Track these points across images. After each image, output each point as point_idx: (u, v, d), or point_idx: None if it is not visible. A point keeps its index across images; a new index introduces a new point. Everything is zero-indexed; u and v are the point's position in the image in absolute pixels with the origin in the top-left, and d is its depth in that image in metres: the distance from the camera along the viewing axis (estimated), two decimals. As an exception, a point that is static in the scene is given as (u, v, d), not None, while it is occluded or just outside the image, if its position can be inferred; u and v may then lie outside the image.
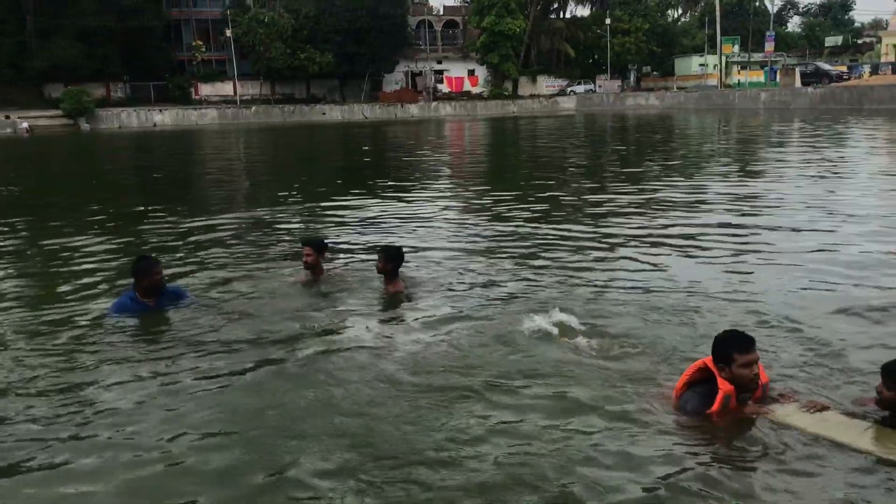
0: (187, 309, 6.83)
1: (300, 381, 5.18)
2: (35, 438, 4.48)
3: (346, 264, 8.77)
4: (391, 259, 7.16)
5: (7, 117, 57.49)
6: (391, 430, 4.43)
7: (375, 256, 7.36)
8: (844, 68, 62.35)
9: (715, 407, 4.36)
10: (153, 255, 7.75)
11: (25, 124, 55.85)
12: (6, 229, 12.62)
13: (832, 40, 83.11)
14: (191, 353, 5.79)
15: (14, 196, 18.59)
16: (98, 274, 8.76)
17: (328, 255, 8.18)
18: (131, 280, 6.81)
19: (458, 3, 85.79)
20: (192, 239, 11.21)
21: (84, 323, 6.71)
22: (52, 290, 8.15)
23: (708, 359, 4.47)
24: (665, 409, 4.60)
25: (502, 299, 7.04)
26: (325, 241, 8.31)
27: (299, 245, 8.35)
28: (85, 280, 8.49)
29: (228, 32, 66.93)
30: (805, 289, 7.27)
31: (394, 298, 7.06)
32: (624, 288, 7.53)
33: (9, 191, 19.62)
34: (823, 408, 4.40)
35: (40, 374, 5.44)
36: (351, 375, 5.23)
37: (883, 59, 62.74)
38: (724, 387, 4.34)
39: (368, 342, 5.92)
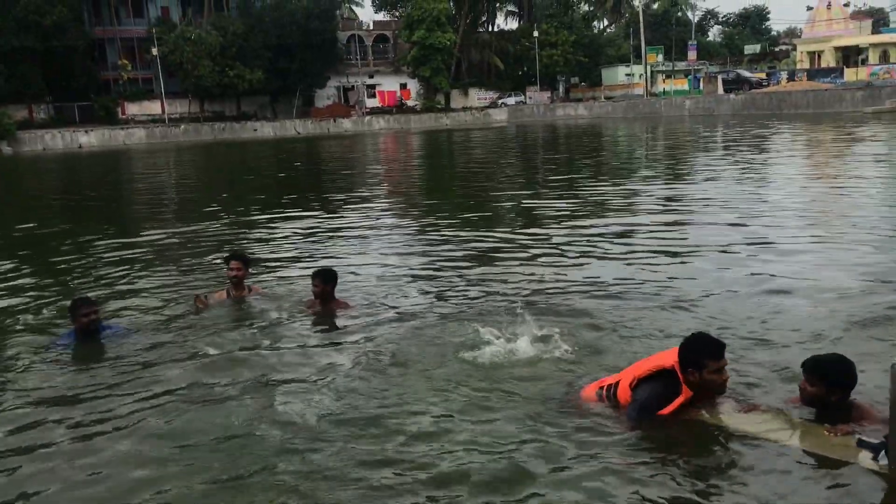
0: (116, 339, 6.58)
1: (238, 412, 4.99)
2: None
3: (274, 281, 8.77)
4: (328, 281, 7.11)
5: (-78, 142, 55.36)
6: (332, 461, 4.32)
7: (310, 280, 7.25)
8: (763, 75, 64.45)
9: (668, 410, 4.37)
10: (87, 295, 7.41)
11: (-58, 149, 53.85)
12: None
13: (751, 48, 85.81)
14: (122, 384, 5.60)
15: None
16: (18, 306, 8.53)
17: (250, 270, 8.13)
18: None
19: (388, 18, 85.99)
20: (117, 258, 11.06)
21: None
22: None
23: (670, 360, 4.44)
24: (582, 414, 4.66)
25: (441, 314, 7.01)
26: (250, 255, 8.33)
27: (223, 259, 8.15)
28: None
29: (154, 51, 65.70)
30: (733, 290, 7.46)
31: (330, 320, 7.01)
32: (561, 292, 7.71)
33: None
34: (753, 408, 4.48)
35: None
36: (292, 405, 5.05)
37: (798, 66, 65.31)
38: (686, 393, 4.35)
39: (307, 367, 5.79)
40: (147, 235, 13.45)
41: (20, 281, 9.70)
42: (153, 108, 70.16)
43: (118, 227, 15.05)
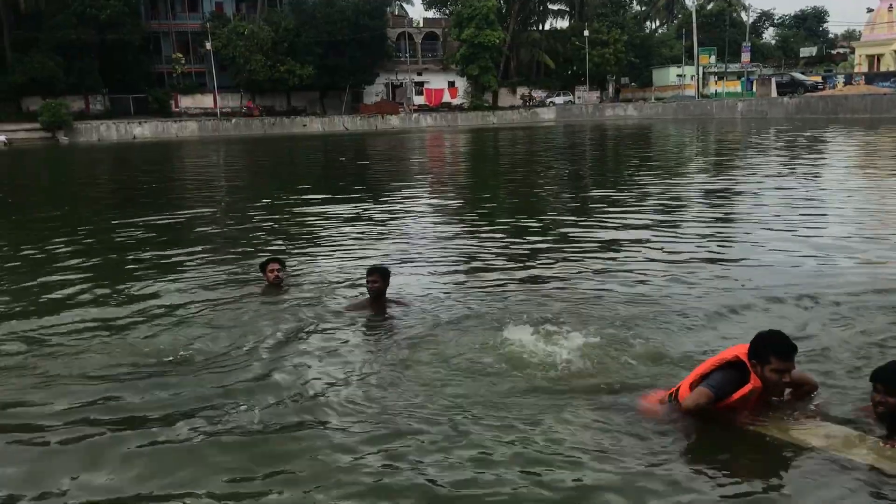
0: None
1: (297, 408, 4.96)
2: None
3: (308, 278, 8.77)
4: (385, 277, 7.04)
5: (-16, 130, 57.08)
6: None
7: (367, 276, 7.10)
8: (819, 78, 63.09)
9: (737, 395, 4.33)
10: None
11: (3, 137, 55.34)
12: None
13: (807, 51, 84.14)
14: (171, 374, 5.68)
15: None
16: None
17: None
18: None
19: (438, 16, 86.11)
20: (160, 249, 11.22)
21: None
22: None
23: (741, 352, 4.41)
24: (649, 420, 4.56)
25: (492, 315, 6.81)
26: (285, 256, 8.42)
27: (260, 267, 8.16)
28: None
29: (208, 45, 66.74)
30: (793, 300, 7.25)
31: (387, 318, 6.90)
32: (609, 292, 7.64)
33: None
34: (814, 416, 4.39)
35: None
36: (350, 405, 4.97)
37: (856, 70, 63.74)
38: (754, 383, 4.31)
39: (380, 365, 5.69)
40: (191, 228, 13.65)
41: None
42: (205, 101, 71.27)
43: (163, 211, 15.33)
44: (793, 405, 4.58)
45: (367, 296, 7.10)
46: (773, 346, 4.29)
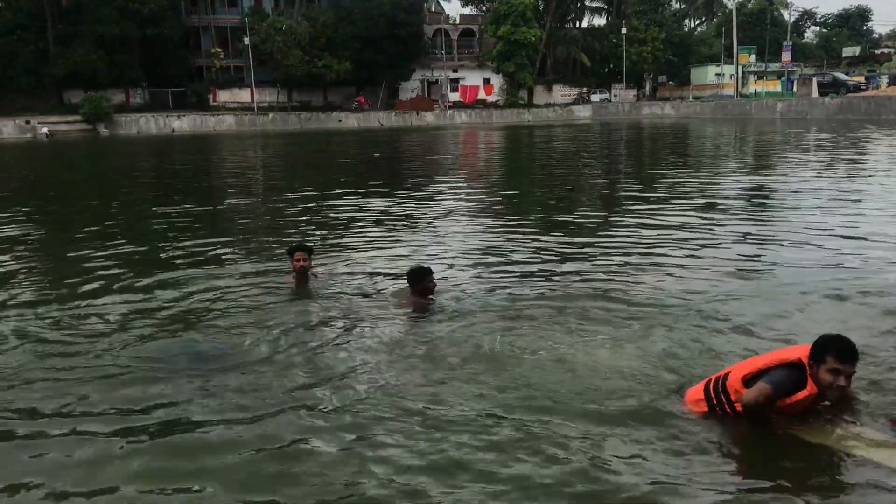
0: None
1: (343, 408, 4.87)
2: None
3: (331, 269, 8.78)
4: (426, 277, 6.97)
5: (27, 122, 58.14)
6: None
7: (407, 277, 7.09)
8: (862, 79, 61.93)
9: (792, 400, 4.24)
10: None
11: (45, 129, 56.42)
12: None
13: (849, 51, 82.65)
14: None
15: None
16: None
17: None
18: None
19: (475, 13, 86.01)
20: (192, 238, 11.38)
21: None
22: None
23: (803, 354, 4.32)
24: (694, 423, 4.48)
25: (528, 314, 6.71)
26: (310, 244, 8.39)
27: (287, 251, 8.09)
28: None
29: (246, 40, 67.33)
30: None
31: (423, 312, 6.84)
32: (643, 290, 7.57)
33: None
34: (864, 428, 4.29)
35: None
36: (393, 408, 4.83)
37: (901, 70, 62.43)
38: (811, 389, 4.23)
39: (427, 365, 5.59)
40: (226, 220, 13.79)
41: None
42: (243, 95, 71.94)
43: (203, 202, 15.51)
44: (833, 410, 4.47)
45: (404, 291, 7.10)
46: (832, 346, 4.20)
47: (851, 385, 4.44)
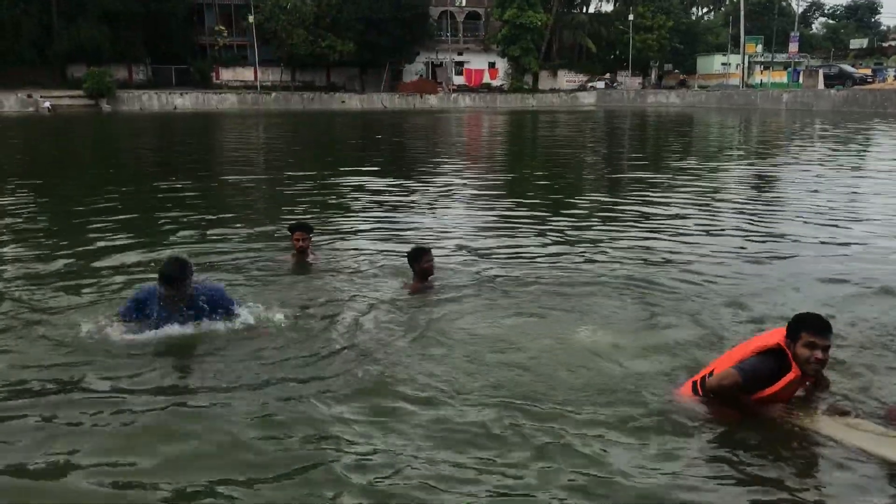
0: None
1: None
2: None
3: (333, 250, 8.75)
4: (419, 257, 6.90)
5: (29, 96, 57.91)
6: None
7: (407, 257, 7.02)
8: (868, 71, 61.61)
9: (777, 387, 4.25)
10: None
11: (48, 104, 56.23)
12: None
13: (857, 43, 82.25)
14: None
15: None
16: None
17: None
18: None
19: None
20: (191, 215, 11.35)
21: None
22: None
23: (774, 338, 4.36)
24: (685, 412, 4.46)
25: (537, 299, 6.67)
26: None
27: (289, 228, 8.02)
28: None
29: (251, 18, 67.00)
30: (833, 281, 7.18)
31: (425, 295, 6.80)
32: (643, 278, 7.53)
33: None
34: (846, 413, 4.29)
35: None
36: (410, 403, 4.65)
37: (908, 63, 62.11)
38: (794, 371, 4.24)
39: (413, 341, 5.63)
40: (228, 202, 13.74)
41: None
42: (246, 74, 71.63)
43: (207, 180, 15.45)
44: (825, 400, 4.51)
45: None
46: (806, 321, 4.26)
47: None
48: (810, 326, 4.22)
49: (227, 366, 5.14)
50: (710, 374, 4.49)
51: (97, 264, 7.96)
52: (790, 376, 4.25)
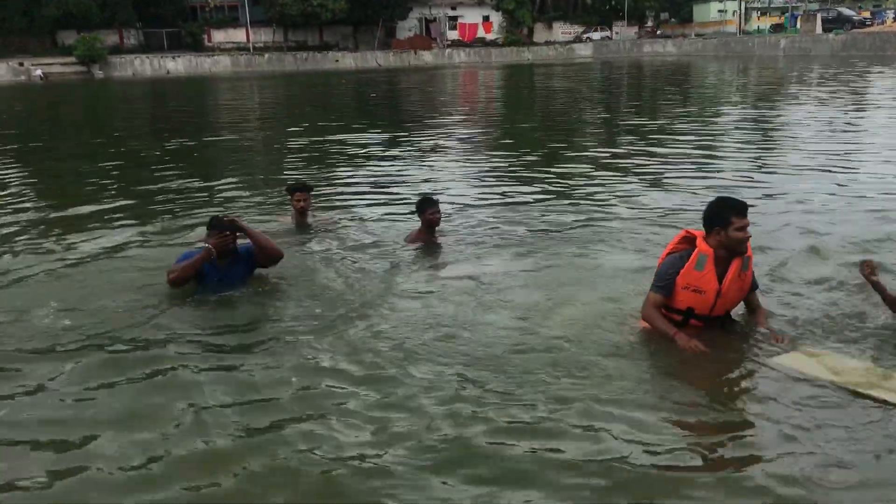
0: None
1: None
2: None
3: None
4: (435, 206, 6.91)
5: (21, 64, 57.33)
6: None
7: (415, 207, 7.04)
8: (867, 14, 60.95)
9: (687, 267, 4.53)
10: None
11: (39, 71, 55.70)
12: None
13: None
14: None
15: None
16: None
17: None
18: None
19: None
20: (187, 177, 11.39)
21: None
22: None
23: (675, 241, 4.71)
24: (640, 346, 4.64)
25: (536, 259, 6.64)
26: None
27: (287, 189, 7.97)
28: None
29: (241, -23, 66.04)
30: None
31: (435, 249, 6.90)
32: (634, 226, 7.58)
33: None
34: (791, 340, 4.54)
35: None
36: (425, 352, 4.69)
37: (907, 5, 61.36)
38: (701, 247, 4.51)
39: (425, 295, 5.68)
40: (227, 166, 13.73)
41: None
42: (238, 35, 70.74)
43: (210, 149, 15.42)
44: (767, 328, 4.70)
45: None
46: (730, 209, 4.47)
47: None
48: (736, 210, 4.45)
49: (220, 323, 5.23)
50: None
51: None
52: (696, 253, 4.52)
